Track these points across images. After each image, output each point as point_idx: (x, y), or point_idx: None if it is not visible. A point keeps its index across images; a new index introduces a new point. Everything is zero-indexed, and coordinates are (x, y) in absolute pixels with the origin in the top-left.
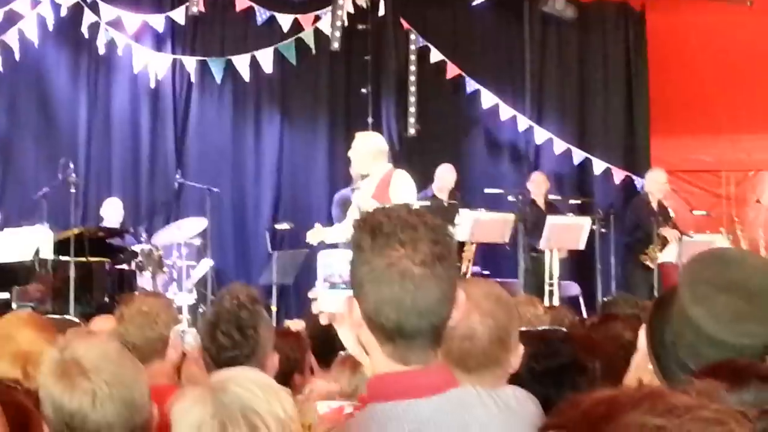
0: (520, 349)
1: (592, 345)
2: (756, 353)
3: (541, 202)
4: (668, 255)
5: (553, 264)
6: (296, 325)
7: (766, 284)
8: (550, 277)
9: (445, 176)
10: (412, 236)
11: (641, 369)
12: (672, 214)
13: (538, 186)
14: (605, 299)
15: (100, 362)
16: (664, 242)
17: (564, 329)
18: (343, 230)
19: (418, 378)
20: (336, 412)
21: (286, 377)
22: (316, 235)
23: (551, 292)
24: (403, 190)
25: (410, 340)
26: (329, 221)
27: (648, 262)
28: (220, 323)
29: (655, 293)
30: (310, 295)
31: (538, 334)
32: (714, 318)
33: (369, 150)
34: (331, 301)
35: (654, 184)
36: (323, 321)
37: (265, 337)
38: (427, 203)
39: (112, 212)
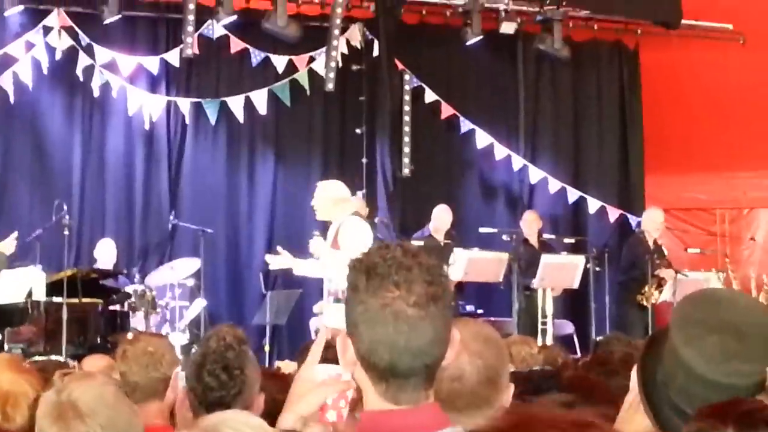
0: (511, 388)
1: (588, 386)
2: (747, 393)
3: (534, 241)
4: (664, 294)
5: (546, 303)
6: (288, 366)
7: (756, 324)
8: (544, 316)
9: (441, 217)
10: (407, 277)
11: (633, 409)
12: (666, 252)
13: (530, 225)
14: (598, 338)
15: (96, 405)
16: (660, 282)
17: (552, 369)
18: (312, 266)
19: (409, 417)
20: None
21: (272, 419)
22: (280, 261)
23: (544, 331)
24: (350, 237)
25: (403, 380)
26: None
27: (644, 302)
28: (207, 364)
29: (650, 332)
30: (315, 309)
31: (525, 376)
32: (705, 358)
33: (329, 197)
34: (335, 315)
35: (651, 223)
36: (325, 336)
37: (252, 378)
38: (421, 243)
39: (106, 253)
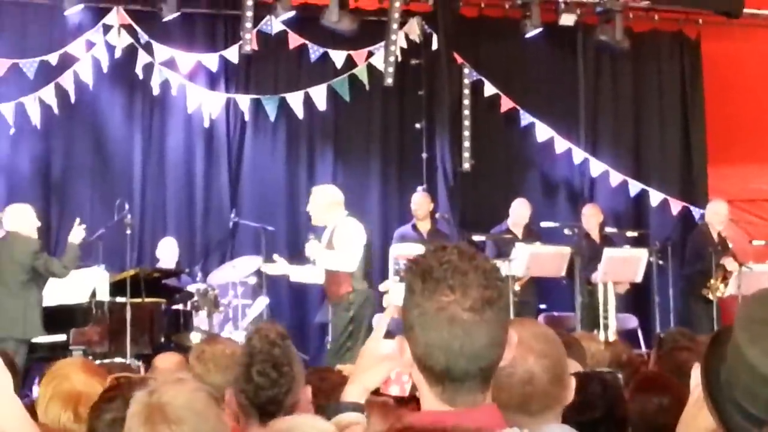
0: (573, 382)
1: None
2: None
3: (595, 235)
4: (729, 288)
5: (608, 297)
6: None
7: None
8: (605, 310)
9: (518, 211)
10: (462, 281)
11: (697, 407)
12: (730, 245)
13: (589, 219)
14: (661, 334)
15: (184, 412)
16: (725, 275)
17: (616, 373)
18: (308, 273)
19: (464, 418)
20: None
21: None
22: (276, 268)
23: (606, 326)
24: (344, 238)
25: (459, 383)
26: (384, 261)
27: (710, 296)
28: (255, 363)
29: (716, 327)
30: (381, 288)
31: (582, 377)
32: None
33: (323, 202)
34: (401, 293)
35: (715, 215)
36: (391, 314)
37: (299, 372)
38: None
39: (168, 252)
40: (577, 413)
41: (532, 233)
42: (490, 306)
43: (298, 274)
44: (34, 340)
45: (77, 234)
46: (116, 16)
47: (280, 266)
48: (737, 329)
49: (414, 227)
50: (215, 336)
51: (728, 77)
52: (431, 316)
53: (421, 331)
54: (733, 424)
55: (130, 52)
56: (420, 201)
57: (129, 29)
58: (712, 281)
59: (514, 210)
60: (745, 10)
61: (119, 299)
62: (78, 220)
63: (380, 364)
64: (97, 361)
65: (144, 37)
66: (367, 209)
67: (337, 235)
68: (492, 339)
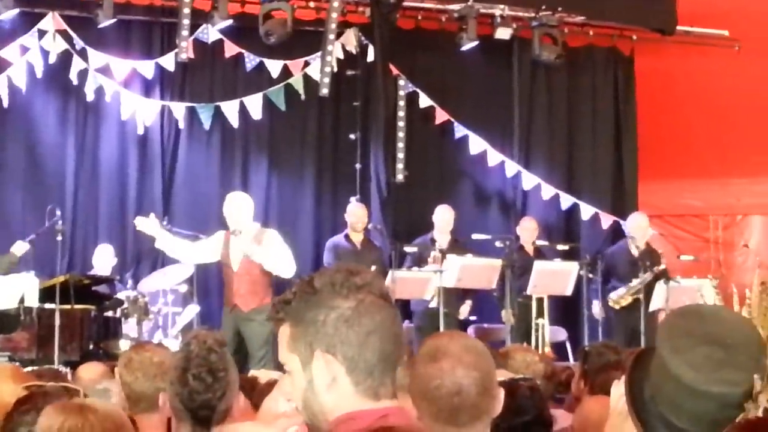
0: (501, 393)
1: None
2: (736, 402)
3: (529, 248)
4: (657, 302)
5: (542, 310)
6: (266, 375)
7: (740, 335)
8: (537, 323)
9: (441, 215)
10: (364, 279)
11: (620, 418)
12: (663, 258)
13: (528, 232)
14: (585, 347)
15: None
16: (638, 290)
17: (535, 380)
18: (178, 246)
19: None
20: None
21: None
22: (147, 225)
23: (538, 338)
24: (281, 243)
25: (385, 373)
26: (316, 269)
27: (615, 306)
28: (191, 368)
29: (643, 339)
30: None
31: (507, 385)
32: (694, 368)
33: (250, 208)
34: None
35: (638, 229)
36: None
37: (234, 379)
38: (415, 249)
39: (104, 259)
40: (508, 418)
41: (458, 244)
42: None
43: (167, 243)
44: None
45: (21, 247)
46: (51, 22)
47: (151, 225)
48: (661, 343)
49: (347, 237)
50: (143, 343)
51: (660, 93)
52: (354, 310)
53: (350, 328)
54: None
55: (65, 58)
56: (357, 212)
57: (64, 35)
58: (622, 291)
59: (438, 216)
60: (678, 28)
61: (48, 305)
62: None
63: (277, 421)
64: (27, 368)
65: (79, 43)
66: (300, 218)
67: (271, 239)
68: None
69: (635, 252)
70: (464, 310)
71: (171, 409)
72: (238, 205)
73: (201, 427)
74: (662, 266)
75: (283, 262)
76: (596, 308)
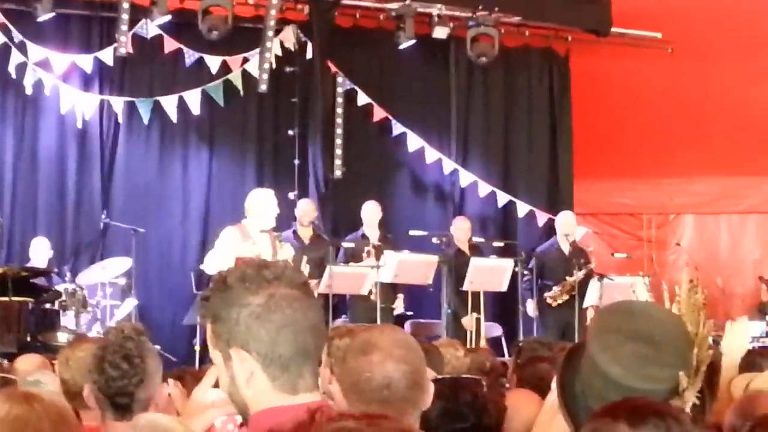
0: (431, 387)
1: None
2: (662, 398)
3: (464, 246)
4: (590, 298)
5: (478, 305)
6: None
7: (668, 333)
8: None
9: (369, 211)
10: (275, 272)
11: (550, 414)
12: (592, 257)
13: (461, 231)
14: (519, 342)
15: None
16: (572, 286)
17: (481, 380)
18: None
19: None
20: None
21: None
22: None
23: (473, 333)
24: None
25: (303, 366)
26: None
27: (552, 303)
28: (107, 355)
29: (576, 334)
30: None
31: (450, 384)
32: (621, 365)
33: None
34: None
35: (567, 227)
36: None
37: (153, 367)
38: (352, 245)
39: (40, 252)
40: (447, 423)
41: (388, 239)
42: (307, 286)
43: None
44: None
45: None
46: None
47: None
48: (590, 339)
49: (295, 233)
50: (81, 338)
51: (595, 94)
52: (265, 304)
53: (261, 323)
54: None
55: (4, 51)
56: (306, 208)
57: (3, 28)
58: (556, 289)
59: (365, 212)
60: (613, 29)
61: None
62: None
63: (206, 411)
64: None
65: (18, 37)
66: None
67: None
68: (321, 317)
69: (566, 250)
70: (398, 304)
71: (95, 399)
72: (274, 204)
73: (121, 416)
74: (591, 264)
75: (206, 258)
76: (530, 307)
